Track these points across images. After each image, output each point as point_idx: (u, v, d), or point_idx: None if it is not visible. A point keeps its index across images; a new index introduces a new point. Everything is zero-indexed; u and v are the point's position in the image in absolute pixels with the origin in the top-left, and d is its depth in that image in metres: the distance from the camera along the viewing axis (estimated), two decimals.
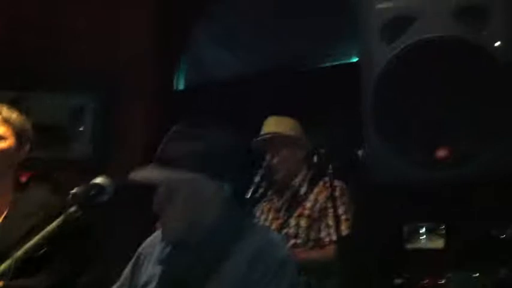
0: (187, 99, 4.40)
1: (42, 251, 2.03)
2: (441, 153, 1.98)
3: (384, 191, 2.10)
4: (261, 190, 2.76)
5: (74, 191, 1.59)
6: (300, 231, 2.80)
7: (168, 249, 1.86)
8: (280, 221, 2.90)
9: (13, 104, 2.67)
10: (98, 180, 1.70)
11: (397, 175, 2.07)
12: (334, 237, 2.68)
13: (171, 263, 1.82)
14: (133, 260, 1.98)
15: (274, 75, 4.08)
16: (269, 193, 3.07)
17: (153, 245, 1.93)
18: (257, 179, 2.72)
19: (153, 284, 1.80)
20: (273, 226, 2.89)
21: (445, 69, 2.00)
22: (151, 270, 1.85)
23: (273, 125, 2.99)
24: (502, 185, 2.00)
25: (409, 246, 1.57)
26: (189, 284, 1.74)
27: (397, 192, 2.13)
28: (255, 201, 2.79)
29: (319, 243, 2.75)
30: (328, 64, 4.18)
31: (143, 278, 1.85)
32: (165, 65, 4.41)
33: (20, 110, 2.56)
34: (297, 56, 4.23)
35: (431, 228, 1.56)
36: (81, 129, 4.02)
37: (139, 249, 1.98)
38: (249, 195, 2.67)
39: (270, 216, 2.98)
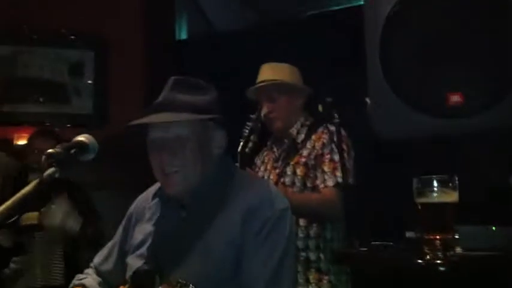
0: (190, 49, 4.29)
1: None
2: (454, 99, 1.87)
3: (392, 142, 1.99)
4: (251, 141, 2.67)
5: (50, 150, 1.50)
6: (296, 180, 2.72)
7: (162, 206, 1.81)
8: (278, 171, 2.82)
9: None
10: (81, 137, 1.61)
11: (406, 124, 1.96)
12: (329, 183, 2.61)
13: (167, 220, 1.78)
14: (124, 220, 1.95)
15: (278, 24, 3.93)
16: (269, 143, 2.99)
17: (145, 203, 1.88)
18: (248, 129, 2.66)
19: (149, 242, 1.76)
20: (272, 176, 2.83)
21: (458, 11, 1.86)
22: (146, 228, 1.81)
23: (268, 73, 2.86)
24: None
25: (420, 200, 1.47)
26: (185, 239, 1.69)
27: (407, 143, 2.03)
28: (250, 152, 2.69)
29: (314, 191, 2.68)
30: (332, 8, 4.02)
31: (139, 237, 1.81)
32: (164, 16, 4.27)
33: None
34: (300, 1, 4.07)
35: (444, 181, 1.46)
36: (81, 84, 3.97)
37: (131, 209, 1.94)
38: (240, 147, 2.63)
39: (269, 166, 2.90)
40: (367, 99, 2.08)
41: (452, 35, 1.88)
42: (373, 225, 2.69)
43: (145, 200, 1.90)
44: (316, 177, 2.69)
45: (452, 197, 1.46)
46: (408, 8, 1.93)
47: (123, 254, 1.88)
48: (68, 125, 3.84)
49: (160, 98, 1.75)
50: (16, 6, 3.94)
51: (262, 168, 2.95)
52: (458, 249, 1.53)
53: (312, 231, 2.68)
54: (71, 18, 3.95)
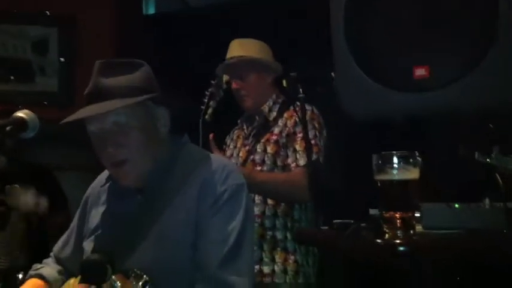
0: (157, 24, 4.18)
1: None
2: (419, 72, 1.81)
3: (357, 120, 1.93)
4: (210, 107, 2.59)
5: None
6: (266, 158, 2.66)
7: (116, 191, 1.75)
8: (248, 148, 2.76)
9: None
10: (20, 113, 1.53)
11: (373, 100, 1.90)
12: (301, 162, 2.55)
13: (122, 203, 1.72)
14: (81, 205, 1.89)
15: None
16: (239, 120, 2.92)
17: (99, 187, 1.81)
18: (207, 95, 2.59)
19: (106, 226, 1.71)
20: (241, 153, 2.77)
21: None
22: (101, 212, 1.75)
23: (237, 49, 2.77)
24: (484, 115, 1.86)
25: (380, 177, 1.42)
26: (141, 222, 1.64)
27: (372, 119, 1.97)
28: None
29: (285, 170, 2.62)
30: None
31: (94, 221, 1.76)
32: None
33: None
34: None
35: (405, 158, 1.41)
36: (45, 61, 3.84)
37: (87, 193, 1.89)
38: (200, 123, 2.56)
39: (239, 144, 2.84)
40: (333, 74, 2.03)
41: (418, 7, 1.82)
42: (340, 203, 2.64)
43: (100, 183, 1.83)
44: (287, 156, 2.63)
45: (413, 173, 1.41)
46: None
47: (80, 239, 1.83)
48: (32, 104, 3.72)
49: (88, 87, 1.65)
50: None
51: (231, 146, 2.89)
52: (419, 228, 1.49)
53: (280, 210, 2.63)
54: None
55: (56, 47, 3.87)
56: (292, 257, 2.59)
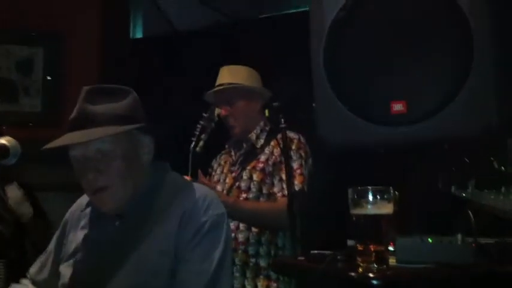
0: (144, 47, 4.21)
1: None
2: (397, 107, 1.85)
3: (336, 150, 1.97)
4: (202, 140, 2.61)
5: None
6: (252, 185, 2.67)
7: (95, 216, 1.75)
8: (234, 174, 2.77)
9: None
10: (2, 140, 1.54)
11: (351, 132, 1.94)
12: (286, 192, 2.55)
13: (101, 229, 1.72)
14: (60, 228, 1.88)
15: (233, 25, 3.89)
16: (227, 145, 2.94)
17: (80, 210, 1.81)
18: (199, 128, 2.61)
19: (83, 251, 1.70)
20: (227, 179, 2.78)
21: (402, 20, 1.86)
22: (79, 236, 1.74)
23: (226, 76, 2.80)
24: (460, 146, 1.90)
25: (355, 211, 1.44)
26: (119, 249, 1.63)
27: (350, 151, 2.00)
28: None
29: (270, 198, 2.64)
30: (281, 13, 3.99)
31: (72, 246, 1.75)
32: (119, 13, 4.18)
33: None
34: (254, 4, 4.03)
35: (379, 192, 1.44)
36: (29, 81, 3.84)
37: (66, 216, 1.88)
38: (191, 151, 2.57)
39: (225, 169, 2.85)
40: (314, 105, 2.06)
41: (396, 43, 1.87)
42: (321, 232, 2.66)
43: (80, 206, 1.83)
44: (272, 184, 2.65)
45: (387, 208, 1.44)
46: (353, 14, 1.91)
47: (57, 262, 1.82)
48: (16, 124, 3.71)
49: (74, 113, 1.65)
50: None
51: (218, 171, 2.89)
52: (392, 261, 1.51)
53: (264, 238, 2.64)
54: (21, 13, 3.82)
55: (41, 67, 3.87)
56: (274, 285, 2.59)
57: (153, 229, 1.63)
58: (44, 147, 1.59)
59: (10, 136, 3.17)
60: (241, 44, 3.76)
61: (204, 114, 2.65)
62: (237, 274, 2.61)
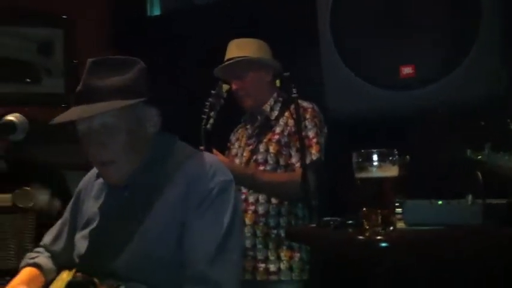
0: (162, 24, 4.21)
1: None
2: (405, 71, 1.83)
3: (344, 117, 1.96)
4: (211, 117, 2.62)
5: None
6: (269, 158, 2.67)
7: (106, 186, 1.78)
8: (251, 147, 2.77)
9: None
10: (10, 117, 1.59)
11: (359, 98, 1.93)
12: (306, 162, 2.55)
13: (111, 199, 1.75)
14: (73, 198, 1.92)
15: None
16: (243, 119, 2.94)
17: (91, 181, 1.85)
18: (208, 105, 2.61)
19: (95, 222, 1.74)
20: (245, 153, 2.79)
21: None
22: (93, 206, 1.78)
23: (234, 50, 2.78)
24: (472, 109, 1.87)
25: (359, 175, 1.44)
26: (127, 220, 1.67)
27: (358, 119, 1.99)
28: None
29: (288, 169, 2.63)
30: None
31: (85, 216, 1.79)
32: None
33: None
34: None
35: (383, 155, 1.43)
36: (51, 63, 3.90)
37: (79, 186, 1.92)
38: (203, 125, 2.59)
39: (243, 143, 2.86)
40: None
41: (404, 7, 1.84)
42: (336, 200, 2.66)
43: (93, 176, 1.87)
44: (290, 155, 2.64)
45: (392, 171, 1.43)
46: None
47: (73, 232, 1.85)
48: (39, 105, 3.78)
49: (79, 87, 1.67)
50: None
51: (236, 145, 2.90)
52: (401, 224, 1.51)
53: (284, 209, 2.64)
54: None
55: (62, 49, 3.92)
56: (297, 255, 2.60)
57: (160, 198, 1.65)
58: (51, 122, 1.63)
59: (33, 117, 3.26)
60: (256, 15, 3.70)
61: (212, 91, 2.65)
62: (260, 246, 2.63)
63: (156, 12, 4.33)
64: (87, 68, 1.69)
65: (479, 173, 1.54)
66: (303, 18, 3.21)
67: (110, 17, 3.95)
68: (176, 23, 4.08)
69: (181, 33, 3.94)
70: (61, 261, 1.87)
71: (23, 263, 1.88)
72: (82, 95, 1.64)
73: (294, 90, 2.17)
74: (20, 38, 3.89)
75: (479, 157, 1.75)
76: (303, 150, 2.15)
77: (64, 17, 3.91)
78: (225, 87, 2.65)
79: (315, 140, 2.57)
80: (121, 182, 1.70)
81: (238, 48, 2.77)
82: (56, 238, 1.94)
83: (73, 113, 1.63)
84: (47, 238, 1.97)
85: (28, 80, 3.88)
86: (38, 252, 1.93)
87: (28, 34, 3.91)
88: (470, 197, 1.52)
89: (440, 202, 1.52)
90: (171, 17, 4.24)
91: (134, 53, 1.79)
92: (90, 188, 1.85)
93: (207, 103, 2.62)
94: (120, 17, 3.98)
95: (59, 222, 1.97)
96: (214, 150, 2.55)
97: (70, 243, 1.85)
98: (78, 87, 1.67)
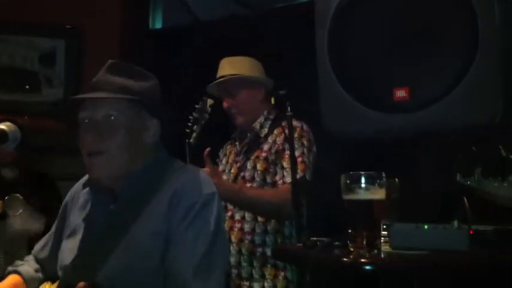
0: (163, 38, 4.24)
1: None
2: (400, 94, 1.83)
3: (340, 138, 1.96)
4: (194, 132, 2.62)
5: None
6: (256, 175, 2.68)
7: (92, 197, 1.79)
8: (239, 164, 2.79)
9: None
10: (1, 126, 1.60)
11: (355, 119, 1.93)
12: (287, 179, 2.55)
13: (97, 210, 1.76)
14: (61, 208, 1.93)
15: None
16: (233, 135, 2.95)
17: (78, 191, 1.86)
18: (191, 120, 2.62)
19: (80, 233, 1.74)
20: (232, 169, 2.80)
21: (404, 6, 1.84)
22: (78, 217, 1.79)
23: (226, 67, 2.81)
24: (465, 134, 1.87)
25: (347, 197, 1.45)
26: (113, 231, 1.67)
27: (353, 140, 2.00)
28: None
29: (274, 187, 2.64)
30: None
31: (71, 226, 1.80)
32: (138, 4, 4.22)
33: None
34: None
35: (371, 178, 1.43)
36: (52, 73, 3.92)
37: (67, 198, 1.93)
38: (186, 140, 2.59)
39: (230, 159, 2.87)
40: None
41: (399, 29, 1.85)
42: (325, 220, 2.66)
43: (79, 187, 1.88)
44: (276, 173, 2.66)
45: (379, 194, 1.43)
46: (357, 1, 1.90)
47: (59, 242, 1.86)
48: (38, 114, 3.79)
49: (94, 79, 1.73)
50: None
51: (224, 161, 2.92)
52: (387, 248, 1.51)
53: (270, 227, 2.65)
54: (43, 7, 3.89)
55: (63, 59, 3.95)
56: (282, 273, 2.60)
57: (146, 210, 1.66)
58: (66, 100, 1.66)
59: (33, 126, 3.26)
60: (259, 34, 3.73)
61: (196, 106, 2.66)
62: (244, 264, 2.64)
63: (158, 25, 4.36)
64: (105, 66, 1.75)
65: (465, 198, 1.54)
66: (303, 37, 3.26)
67: (116, 28, 3.97)
68: (178, 37, 4.12)
69: (184, 47, 3.98)
70: (48, 269, 1.88)
71: (7, 271, 1.89)
72: (94, 85, 1.70)
73: (289, 108, 2.19)
74: (22, 47, 3.92)
75: (469, 182, 1.75)
76: (294, 169, 2.14)
77: (68, 27, 3.93)
78: (210, 101, 2.66)
79: (300, 159, 2.57)
80: (104, 179, 1.70)
81: (231, 66, 2.80)
82: (43, 247, 1.95)
83: (87, 94, 1.68)
84: (37, 246, 1.98)
85: (27, 87, 3.90)
86: (26, 260, 1.95)
87: (31, 43, 3.93)
88: (456, 222, 1.51)
89: (426, 226, 1.51)
90: (172, 31, 4.28)
91: (139, 65, 1.83)
92: (77, 198, 1.86)
93: (190, 117, 2.63)
94: (125, 29, 4.01)
95: (50, 231, 1.98)
96: (207, 160, 2.53)
97: (54, 253, 1.85)
98: (94, 79, 1.72)
